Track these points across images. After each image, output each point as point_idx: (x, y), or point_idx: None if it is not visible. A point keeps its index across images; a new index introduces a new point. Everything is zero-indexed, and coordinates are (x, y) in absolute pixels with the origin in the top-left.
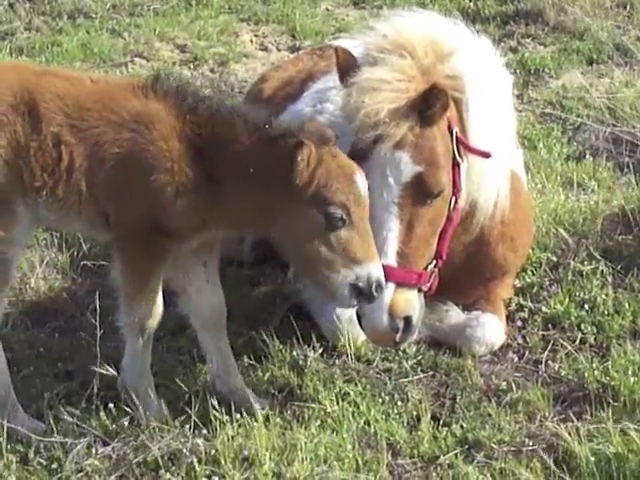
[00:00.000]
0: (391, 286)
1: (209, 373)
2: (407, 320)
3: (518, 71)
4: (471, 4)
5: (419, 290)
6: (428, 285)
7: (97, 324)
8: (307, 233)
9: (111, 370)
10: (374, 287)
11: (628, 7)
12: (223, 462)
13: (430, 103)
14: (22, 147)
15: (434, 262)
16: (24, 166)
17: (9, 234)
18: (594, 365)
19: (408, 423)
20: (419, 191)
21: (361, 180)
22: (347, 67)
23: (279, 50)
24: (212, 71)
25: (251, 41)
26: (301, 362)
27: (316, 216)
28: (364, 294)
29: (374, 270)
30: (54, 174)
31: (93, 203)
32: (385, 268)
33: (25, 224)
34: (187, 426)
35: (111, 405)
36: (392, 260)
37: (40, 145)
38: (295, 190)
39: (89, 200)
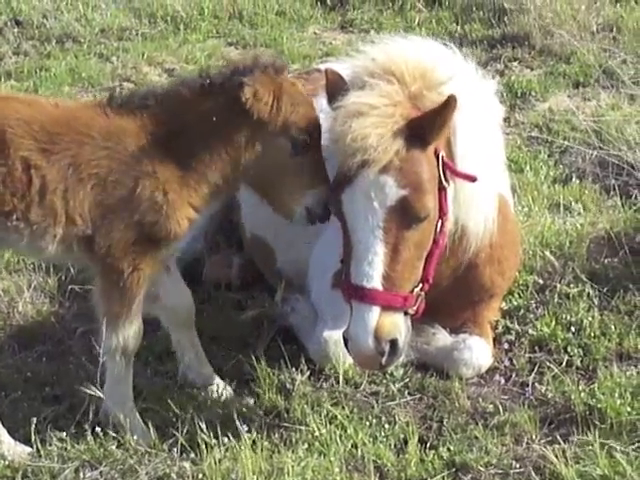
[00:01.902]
0: (376, 309)
1: (181, 367)
2: (393, 343)
3: (505, 94)
4: (458, 28)
5: (405, 313)
6: (415, 308)
7: (86, 346)
8: (273, 162)
9: (100, 392)
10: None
11: (614, 30)
12: None
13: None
14: None
15: (420, 285)
16: None
17: None
18: (580, 387)
19: (395, 446)
20: (404, 215)
21: (316, 103)
22: (336, 89)
23: None
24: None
25: None
26: (288, 385)
27: (283, 143)
28: (318, 216)
29: (325, 192)
30: (25, 198)
31: (70, 225)
32: (370, 291)
33: None
34: (175, 450)
35: (99, 429)
36: (377, 283)
37: (9, 170)
38: (261, 124)
39: (65, 223)
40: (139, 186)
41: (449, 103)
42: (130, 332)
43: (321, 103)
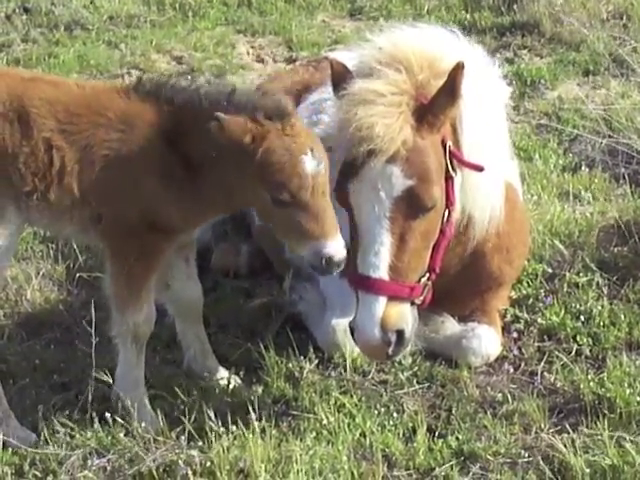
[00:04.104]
0: (383, 300)
1: (185, 358)
2: (399, 333)
3: (514, 82)
4: (467, 15)
5: (412, 303)
6: (421, 298)
7: (92, 333)
8: (263, 207)
9: (108, 376)
10: (324, 263)
11: (624, 18)
12: (218, 474)
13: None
14: (11, 154)
15: (427, 275)
16: (14, 172)
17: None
18: (590, 376)
19: (404, 435)
20: (411, 205)
21: (310, 160)
22: (341, 79)
23: (275, 62)
24: (209, 82)
25: (248, 53)
26: (297, 374)
27: (263, 193)
28: (317, 269)
29: (324, 247)
30: (45, 178)
31: (85, 206)
32: (377, 281)
33: (13, 229)
34: (182, 437)
35: (107, 416)
36: (384, 273)
37: (32, 150)
38: (244, 165)
39: (81, 204)
40: (144, 174)
41: (457, 69)
42: (140, 318)
43: (330, 91)
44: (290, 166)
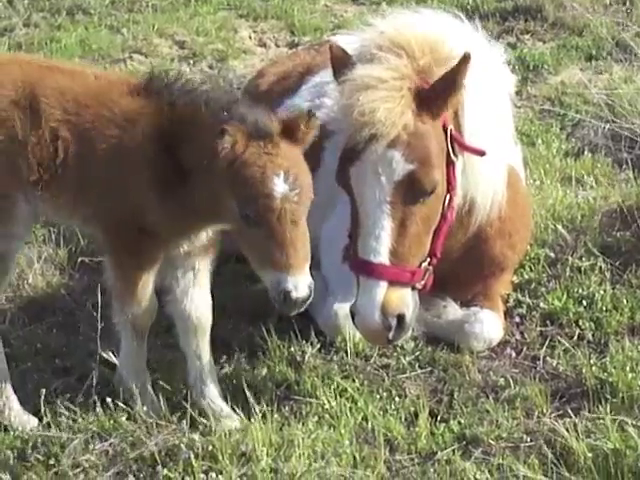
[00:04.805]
0: (384, 284)
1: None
2: (400, 318)
3: (517, 67)
4: (470, 0)
5: (413, 288)
6: (422, 283)
7: (98, 318)
8: (234, 221)
9: (113, 357)
10: (281, 298)
11: (627, 3)
12: (220, 458)
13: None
14: (21, 141)
15: (428, 260)
16: (22, 160)
17: (8, 229)
18: (592, 361)
19: (406, 419)
20: (411, 189)
21: (282, 183)
22: (341, 64)
23: (278, 46)
24: (211, 67)
25: (250, 37)
26: (299, 358)
27: (233, 205)
28: (274, 302)
29: (283, 281)
30: (49, 169)
31: (85, 200)
32: (378, 266)
33: (25, 219)
34: (184, 421)
35: (108, 400)
36: (385, 258)
37: (38, 140)
38: (221, 173)
39: (82, 197)
40: (135, 174)
41: (464, 60)
42: (138, 310)
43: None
44: (260, 183)
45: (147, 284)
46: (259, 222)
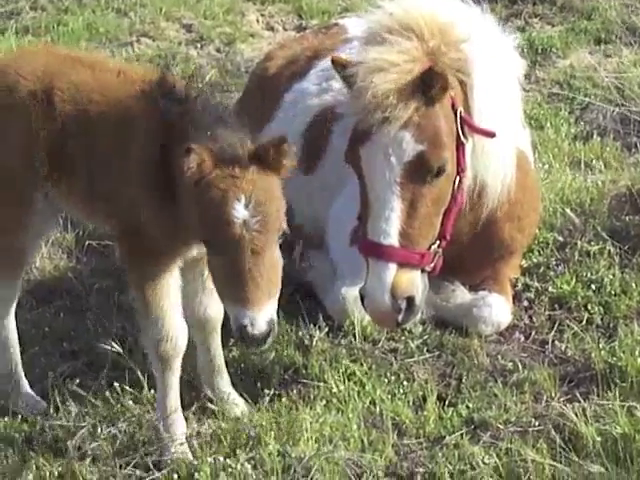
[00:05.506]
0: (393, 266)
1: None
2: (409, 300)
3: (526, 51)
4: None
5: (422, 270)
6: (432, 265)
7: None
8: (201, 244)
9: (117, 347)
10: (238, 332)
11: None
12: (228, 441)
13: (429, 85)
14: (35, 134)
15: (438, 242)
16: (36, 153)
17: (25, 222)
18: (601, 345)
19: (414, 403)
20: (421, 170)
21: (242, 209)
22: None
23: (285, 30)
24: (218, 50)
25: (257, 21)
26: (307, 342)
27: (198, 228)
28: (235, 336)
29: (241, 315)
30: (59, 165)
31: (92, 201)
32: (387, 248)
33: (43, 214)
34: (193, 405)
35: (116, 384)
36: (394, 240)
37: (49, 133)
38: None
39: (90, 200)
40: (130, 182)
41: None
42: (161, 332)
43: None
44: (219, 207)
45: (165, 299)
46: (218, 249)
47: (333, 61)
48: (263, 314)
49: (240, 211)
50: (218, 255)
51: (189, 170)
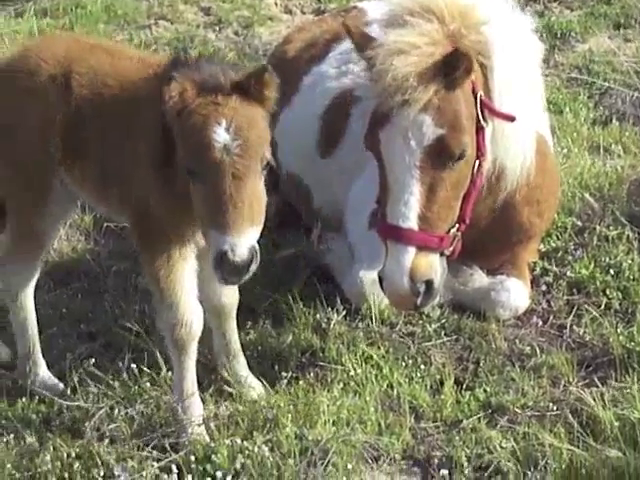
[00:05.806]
0: (412, 250)
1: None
2: (428, 284)
3: (545, 35)
4: None
5: (441, 254)
6: (451, 249)
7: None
8: (187, 182)
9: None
10: (218, 260)
11: None
12: (245, 424)
13: (453, 67)
14: (52, 117)
15: (457, 226)
16: (52, 137)
17: (44, 208)
18: (619, 330)
19: (431, 387)
20: (441, 154)
21: (223, 132)
22: (362, 39)
23: (304, 13)
24: (236, 34)
25: (276, 4)
26: (324, 325)
27: (182, 161)
28: (214, 267)
29: (221, 241)
30: (73, 151)
31: (105, 187)
32: (406, 231)
33: (60, 199)
34: (211, 388)
35: (133, 366)
36: (414, 223)
37: (65, 117)
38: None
39: (103, 187)
40: (139, 161)
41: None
42: (176, 316)
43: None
44: (200, 132)
45: (179, 285)
46: (200, 176)
47: (344, 25)
48: (244, 240)
49: (221, 135)
50: (201, 184)
51: (171, 99)
